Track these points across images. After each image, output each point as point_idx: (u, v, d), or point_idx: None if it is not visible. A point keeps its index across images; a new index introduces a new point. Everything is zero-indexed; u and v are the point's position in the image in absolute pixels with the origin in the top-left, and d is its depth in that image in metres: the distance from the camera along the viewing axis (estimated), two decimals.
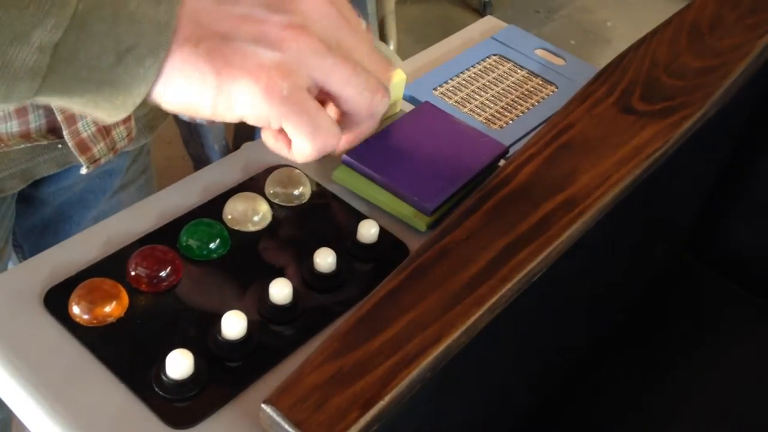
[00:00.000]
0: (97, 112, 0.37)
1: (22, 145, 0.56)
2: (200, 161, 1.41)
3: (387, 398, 0.36)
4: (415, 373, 0.37)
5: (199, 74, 0.36)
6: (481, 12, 2.29)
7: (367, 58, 0.41)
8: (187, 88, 0.37)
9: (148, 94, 0.37)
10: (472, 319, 0.40)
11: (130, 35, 0.35)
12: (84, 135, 0.56)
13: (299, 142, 0.39)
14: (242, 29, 0.37)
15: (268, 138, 0.42)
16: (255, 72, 0.37)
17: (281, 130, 0.39)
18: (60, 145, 0.59)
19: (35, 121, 0.55)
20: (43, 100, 0.36)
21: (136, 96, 0.36)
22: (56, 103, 0.37)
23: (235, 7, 0.38)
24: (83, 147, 0.56)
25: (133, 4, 0.34)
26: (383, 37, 2.02)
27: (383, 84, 0.41)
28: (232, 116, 0.38)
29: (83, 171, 0.58)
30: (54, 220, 0.71)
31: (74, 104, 0.37)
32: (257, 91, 0.37)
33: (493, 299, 0.41)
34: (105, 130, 0.57)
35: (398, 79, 0.59)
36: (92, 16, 0.34)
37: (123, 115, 0.37)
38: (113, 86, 0.36)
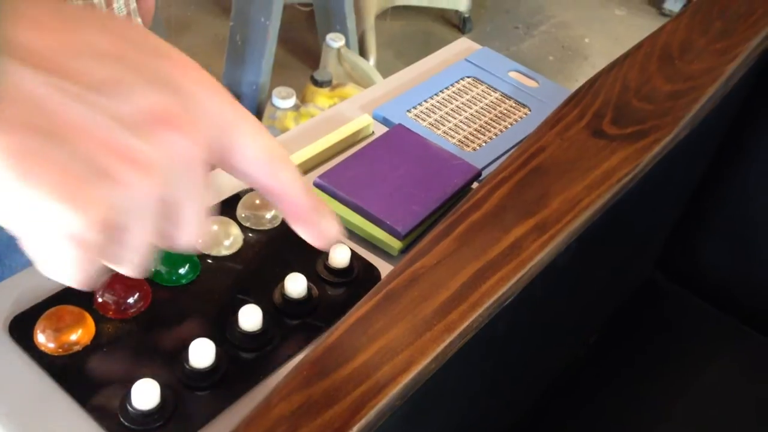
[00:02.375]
0: None
1: None
2: None
3: (356, 428, 0.36)
4: (384, 401, 0.37)
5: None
6: (460, 28, 2.30)
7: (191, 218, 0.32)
8: None
9: None
10: (443, 345, 0.40)
11: None
12: None
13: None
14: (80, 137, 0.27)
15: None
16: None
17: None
18: None
19: None
20: None
21: None
22: None
23: (90, 95, 0.27)
24: None
25: None
26: (363, 52, 2.02)
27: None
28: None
29: None
30: None
31: None
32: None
33: (464, 325, 0.41)
34: None
35: (366, 123, 0.60)
36: None
37: None
38: None
